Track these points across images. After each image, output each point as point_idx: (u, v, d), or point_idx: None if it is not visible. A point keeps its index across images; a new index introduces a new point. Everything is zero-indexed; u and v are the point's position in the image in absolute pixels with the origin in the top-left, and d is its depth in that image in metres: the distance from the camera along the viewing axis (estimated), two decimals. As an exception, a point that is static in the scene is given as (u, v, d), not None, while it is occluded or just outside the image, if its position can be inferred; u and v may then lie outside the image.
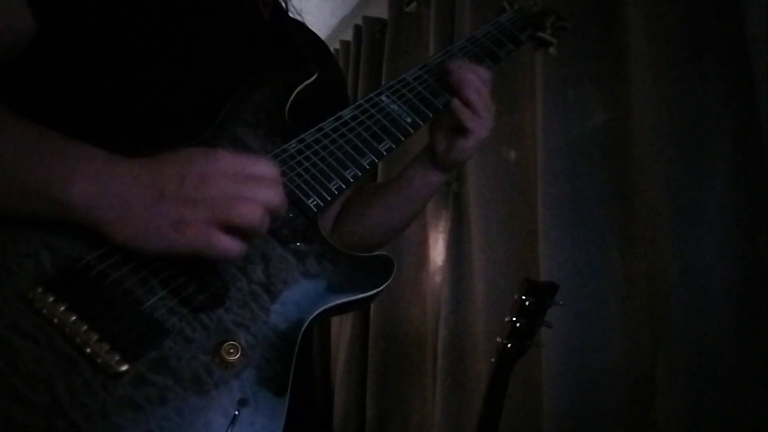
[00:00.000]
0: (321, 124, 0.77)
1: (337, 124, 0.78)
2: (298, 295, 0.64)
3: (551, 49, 1.06)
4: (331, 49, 3.26)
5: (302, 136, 0.75)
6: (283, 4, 0.94)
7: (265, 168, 0.61)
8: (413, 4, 2.51)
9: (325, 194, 0.71)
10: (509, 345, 1.29)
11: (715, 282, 1.30)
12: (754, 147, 1.29)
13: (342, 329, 2.64)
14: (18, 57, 0.67)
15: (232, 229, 0.57)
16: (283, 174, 0.70)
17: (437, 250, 2.19)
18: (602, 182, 1.57)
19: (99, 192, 0.56)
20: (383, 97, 0.82)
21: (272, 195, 0.59)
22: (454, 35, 2.16)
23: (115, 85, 0.71)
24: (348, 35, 3.00)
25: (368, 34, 2.76)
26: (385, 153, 0.78)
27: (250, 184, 0.58)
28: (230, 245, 0.57)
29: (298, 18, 0.99)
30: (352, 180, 0.75)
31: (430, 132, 0.93)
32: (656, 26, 1.40)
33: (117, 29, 0.71)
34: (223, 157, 0.59)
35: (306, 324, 0.63)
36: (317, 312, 0.64)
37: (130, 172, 0.57)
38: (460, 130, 0.88)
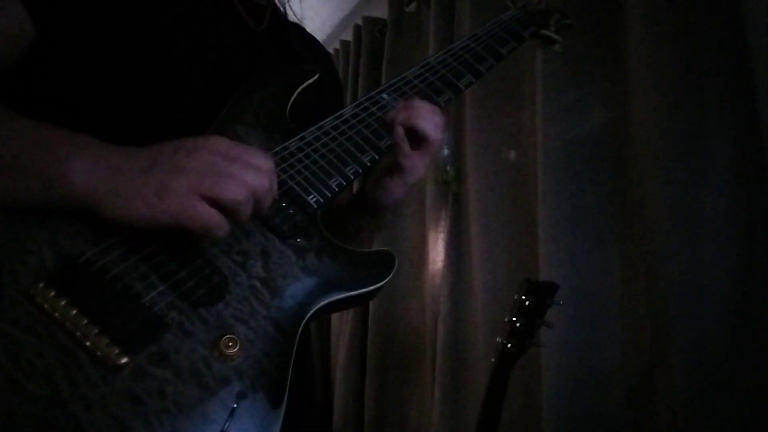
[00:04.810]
0: (321, 123, 0.77)
1: (337, 122, 0.78)
2: (298, 290, 0.64)
3: (556, 47, 1.06)
4: (331, 49, 3.27)
5: (303, 134, 0.75)
6: (281, 9, 0.95)
7: (259, 158, 0.61)
8: (413, 4, 2.51)
9: (325, 191, 0.72)
10: (509, 345, 1.29)
11: (714, 282, 1.30)
12: (753, 147, 1.29)
13: (341, 329, 2.64)
14: (17, 61, 0.67)
15: (215, 204, 0.57)
16: (284, 171, 0.70)
17: (436, 250, 2.19)
18: (602, 182, 1.57)
19: (94, 166, 0.56)
20: (384, 95, 0.83)
21: (261, 180, 0.59)
22: (453, 35, 2.17)
23: (113, 87, 0.71)
24: (348, 35, 3.00)
25: (368, 34, 2.76)
26: (385, 150, 0.79)
27: (240, 165, 0.58)
28: (211, 215, 0.56)
29: (298, 22, 1.00)
30: (352, 176, 0.75)
31: (363, 177, 0.84)
32: (656, 27, 1.41)
33: (115, 32, 0.71)
34: (219, 140, 0.60)
35: (306, 319, 0.63)
36: (317, 307, 0.64)
37: (125, 150, 0.59)
38: (392, 169, 0.82)
